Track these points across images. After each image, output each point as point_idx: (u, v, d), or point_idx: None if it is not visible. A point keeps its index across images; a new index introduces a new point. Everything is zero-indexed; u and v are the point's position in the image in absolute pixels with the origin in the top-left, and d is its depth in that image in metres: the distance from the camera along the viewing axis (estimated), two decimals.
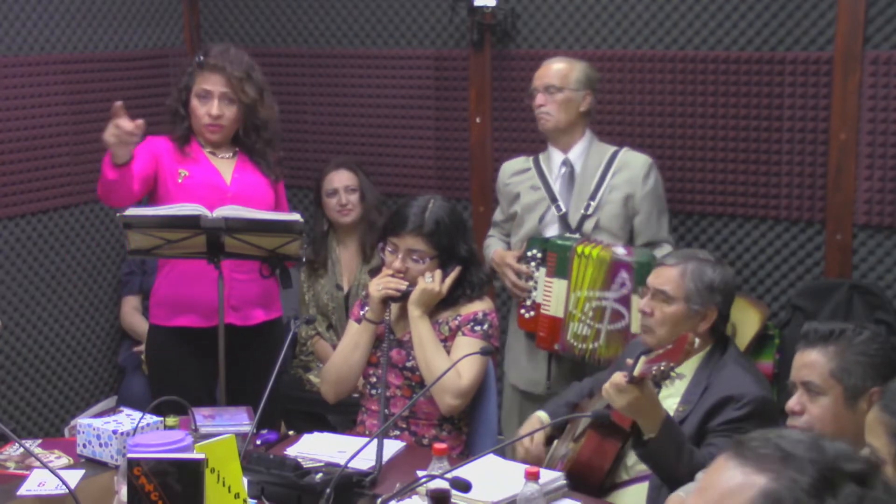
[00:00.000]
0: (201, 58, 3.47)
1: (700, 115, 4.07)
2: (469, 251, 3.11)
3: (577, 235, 3.60)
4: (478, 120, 4.47)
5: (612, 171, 3.64)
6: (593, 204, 3.62)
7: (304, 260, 3.36)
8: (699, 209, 4.13)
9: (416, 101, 4.61)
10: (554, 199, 3.67)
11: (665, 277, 2.85)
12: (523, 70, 4.22)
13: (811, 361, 2.27)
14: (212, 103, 3.39)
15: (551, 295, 3.55)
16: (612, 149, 3.71)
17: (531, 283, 3.59)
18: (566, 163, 3.70)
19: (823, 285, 3.89)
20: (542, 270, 3.56)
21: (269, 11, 4.88)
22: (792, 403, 2.29)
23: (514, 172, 3.80)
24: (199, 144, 3.47)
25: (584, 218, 3.62)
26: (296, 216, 3.20)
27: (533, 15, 4.33)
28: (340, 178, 4.25)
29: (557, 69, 3.67)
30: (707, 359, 2.82)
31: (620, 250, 3.47)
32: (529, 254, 3.59)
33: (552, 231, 3.66)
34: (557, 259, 3.52)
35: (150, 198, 3.43)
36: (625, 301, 3.43)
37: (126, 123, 3.08)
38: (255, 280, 3.41)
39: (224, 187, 3.41)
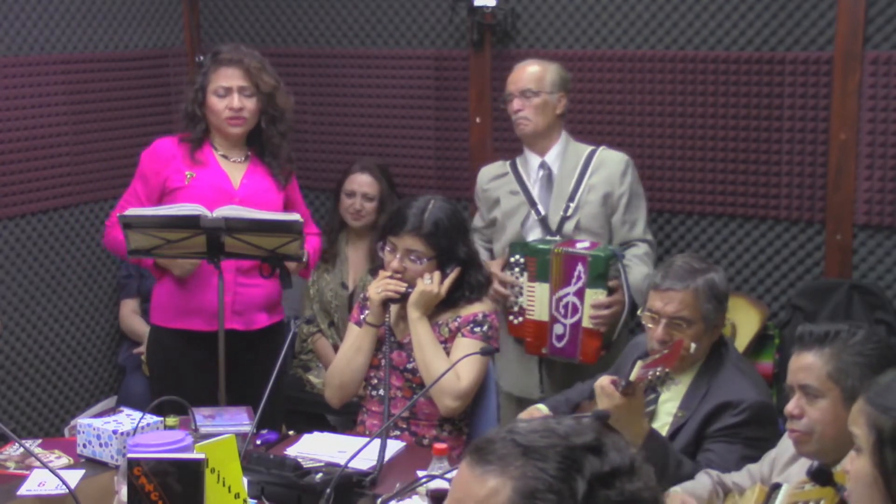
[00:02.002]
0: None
1: (700, 115, 4.07)
2: (468, 252, 3.10)
3: (557, 238, 3.59)
4: (478, 120, 4.47)
5: (590, 170, 3.63)
6: (572, 205, 3.61)
7: (304, 259, 3.34)
8: (699, 209, 4.13)
9: (416, 101, 4.61)
10: (533, 204, 3.66)
11: (679, 303, 2.75)
12: None
13: (807, 364, 2.26)
14: (231, 97, 3.36)
15: (535, 299, 3.54)
16: (589, 148, 3.69)
17: (516, 290, 3.58)
18: (543, 166, 3.69)
19: (823, 285, 3.89)
20: (525, 276, 3.55)
21: (269, 11, 4.88)
22: (791, 407, 2.28)
23: (491, 178, 3.79)
24: (212, 148, 3.45)
25: (564, 220, 3.61)
26: (296, 216, 3.19)
27: (533, 15, 4.33)
28: (361, 183, 4.20)
29: (532, 72, 3.65)
30: (706, 363, 2.81)
31: (581, 244, 3.48)
32: (512, 259, 3.57)
33: (534, 235, 3.65)
34: (537, 263, 3.51)
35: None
36: (580, 294, 3.44)
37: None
38: (260, 285, 3.41)
39: (231, 191, 3.39)
